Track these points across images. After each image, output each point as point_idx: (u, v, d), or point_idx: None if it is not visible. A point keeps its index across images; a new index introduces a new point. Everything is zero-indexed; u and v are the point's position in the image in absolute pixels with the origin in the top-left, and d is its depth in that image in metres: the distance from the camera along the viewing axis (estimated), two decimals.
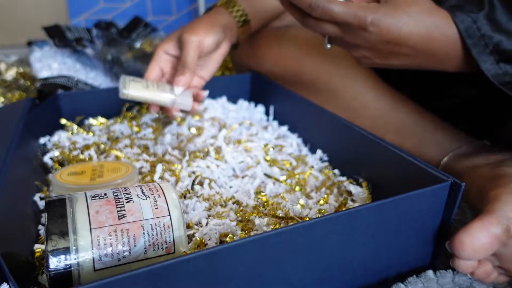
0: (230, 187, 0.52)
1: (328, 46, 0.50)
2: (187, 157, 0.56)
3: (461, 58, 0.43)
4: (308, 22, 0.46)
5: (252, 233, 0.41)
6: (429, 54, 0.44)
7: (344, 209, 0.43)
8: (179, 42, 0.61)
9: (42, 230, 0.43)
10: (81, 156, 0.56)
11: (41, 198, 0.48)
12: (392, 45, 0.43)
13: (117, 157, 0.57)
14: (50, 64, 0.92)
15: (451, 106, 0.64)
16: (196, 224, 0.44)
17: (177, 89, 0.59)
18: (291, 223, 0.42)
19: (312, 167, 0.56)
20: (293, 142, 0.63)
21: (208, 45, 0.61)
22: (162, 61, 0.63)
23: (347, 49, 0.48)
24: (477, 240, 0.34)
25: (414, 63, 0.46)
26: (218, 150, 0.58)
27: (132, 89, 0.57)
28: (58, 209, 0.32)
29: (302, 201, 0.46)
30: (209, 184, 0.51)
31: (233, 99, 0.78)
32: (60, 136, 0.62)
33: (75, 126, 0.64)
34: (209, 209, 0.46)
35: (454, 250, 0.35)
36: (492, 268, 0.38)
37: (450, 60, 0.44)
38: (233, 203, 0.48)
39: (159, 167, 0.52)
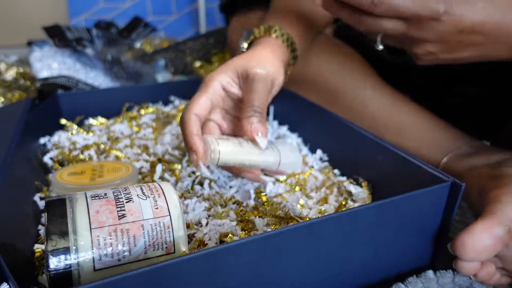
0: (230, 187, 0.52)
1: (381, 47, 0.46)
2: (187, 157, 0.56)
3: None
4: (365, 21, 0.42)
5: (252, 233, 0.41)
6: (500, 41, 0.41)
7: (344, 209, 0.43)
8: (241, 78, 0.47)
9: (42, 230, 0.43)
10: (81, 156, 0.56)
11: (41, 198, 0.48)
12: (464, 35, 0.41)
13: (117, 157, 0.57)
14: (50, 64, 0.92)
15: (453, 106, 0.63)
16: (196, 224, 0.44)
17: (261, 141, 0.42)
18: (291, 223, 0.42)
19: (312, 167, 0.56)
20: (293, 142, 0.63)
21: (279, 84, 0.49)
22: (216, 96, 0.47)
23: (408, 46, 0.45)
24: (479, 242, 0.34)
25: (483, 53, 0.43)
26: None
27: (223, 147, 0.40)
28: (58, 209, 0.32)
29: (302, 201, 0.46)
30: (209, 184, 0.51)
31: None
32: (60, 136, 0.62)
33: (75, 126, 0.64)
34: (209, 209, 0.46)
35: (456, 252, 0.35)
36: (495, 269, 0.37)
37: None
38: (233, 203, 0.48)
39: (159, 167, 0.52)
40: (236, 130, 0.48)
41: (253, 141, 0.42)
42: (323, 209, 0.45)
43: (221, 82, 0.46)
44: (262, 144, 0.42)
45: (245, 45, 0.55)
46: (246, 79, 0.46)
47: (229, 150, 0.40)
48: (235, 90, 0.47)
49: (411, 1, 0.39)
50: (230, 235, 0.40)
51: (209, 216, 0.45)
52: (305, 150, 0.61)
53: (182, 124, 0.43)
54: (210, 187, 0.51)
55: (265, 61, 0.48)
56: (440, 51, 0.43)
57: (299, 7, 0.59)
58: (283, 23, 0.55)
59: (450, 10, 0.39)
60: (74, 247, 0.30)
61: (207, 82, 0.46)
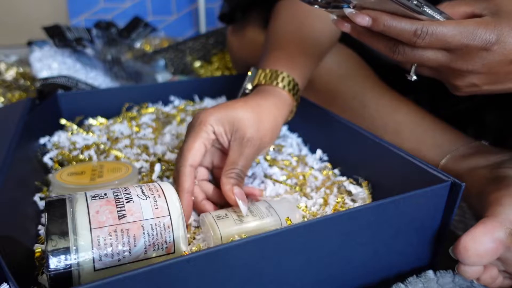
0: None
1: (414, 77, 0.42)
2: None
3: None
4: (402, 51, 0.38)
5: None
6: None
7: (342, 208, 0.43)
8: (234, 134, 0.46)
9: (42, 230, 0.43)
10: (81, 156, 0.56)
11: (41, 198, 0.48)
12: None
13: (117, 157, 0.57)
14: (50, 64, 0.92)
15: (462, 110, 0.63)
16: (196, 227, 0.44)
17: (243, 208, 0.42)
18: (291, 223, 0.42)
19: (312, 167, 0.56)
20: (293, 142, 0.63)
21: (266, 151, 0.48)
22: (209, 140, 0.45)
23: (448, 77, 0.42)
24: (481, 245, 0.34)
25: None
26: None
27: (223, 228, 0.40)
28: (58, 209, 0.32)
29: (302, 202, 0.46)
30: None
31: (232, 99, 0.77)
32: (60, 136, 0.62)
33: (74, 126, 0.64)
34: None
35: (458, 256, 0.35)
36: (497, 272, 0.37)
37: None
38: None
39: (158, 167, 0.52)
40: (222, 164, 0.47)
41: (236, 206, 0.42)
42: (322, 209, 0.45)
43: (214, 129, 0.45)
44: (244, 210, 0.41)
45: (249, 86, 0.53)
46: (240, 140, 0.45)
47: (230, 230, 0.40)
48: (223, 141, 0.46)
49: (459, 31, 0.35)
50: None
51: None
52: (305, 150, 0.61)
53: (177, 177, 0.43)
54: None
55: (265, 125, 0.46)
56: (485, 82, 0.40)
57: (301, 34, 0.56)
58: (286, 63, 0.52)
59: (503, 38, 0.36)
60: (74, 247, 0.30)
61: (202, 125, 0.44)
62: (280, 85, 0.50)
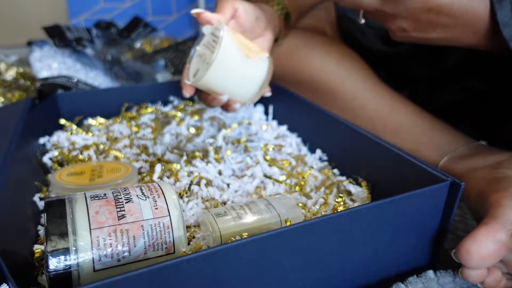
0: (229, 185, 0.51)
1: (363, 21, 0.52)
2: (186, 157, 0.56)
3: (495, 33, 0.43)
4: None
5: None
6: (467, 25, 0.44)
7: (342, 208, 0.43)
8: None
9: (41, 230, 0.43)
10: (81, 157, 0.56)
11: (41, 199, 0.48)
12: (432, 14, 0.44)
13: (116, 157, 0.57)
14: (50, 64, 0.92)
15: (458, 102, 0.63)
16: (195, 226, 0.44)
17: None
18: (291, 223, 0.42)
19: (312, 167, 0.56)
20: (292, 142, 0.63)
21: (244, 12, 0.56)
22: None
23: (384, 21, 0.49)
24: (484, 248, 0.34)
25: (451, 36, 0.46)
26: (217, 150, 0.58)
27: (222, 224, 0.40)
28: (58, 210, 0.32)
29: (301, 201, 0.46)
30: (207, 184, 0.51)
31: None
32: (59, 137, 0.62)
33: (74, 126, 0.64)
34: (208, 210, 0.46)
35: (461, 259, 0.35)
36: (501, 275, 0.37)
37: (486, 33, 0.44)
38: (232, 203, 0.48)
39: (158, 167, 0.52)
40: None
41: None
42: (322, 209, 0.45)
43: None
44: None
45: None
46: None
47: (229, 227, 0.40)
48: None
49: None
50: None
51: None
52: (304, 150, 0.61)
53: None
54: (208, 185, 0.50)
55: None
56: (412, 28, 0.47)
57: None
58: None
59: None
60: (74, 248, 0.30)
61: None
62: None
